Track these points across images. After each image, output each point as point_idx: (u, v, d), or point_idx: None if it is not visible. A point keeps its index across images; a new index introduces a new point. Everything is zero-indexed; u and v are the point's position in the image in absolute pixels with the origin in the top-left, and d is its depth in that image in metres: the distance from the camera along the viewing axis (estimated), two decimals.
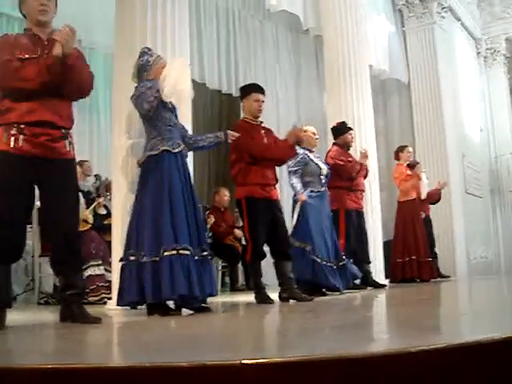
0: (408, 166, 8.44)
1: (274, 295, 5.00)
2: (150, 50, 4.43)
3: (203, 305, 4.08)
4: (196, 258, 3.98)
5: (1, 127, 3.34)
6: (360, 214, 6.92)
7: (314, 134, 6.08)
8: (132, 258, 3.98)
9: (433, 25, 11.30)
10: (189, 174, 4.30)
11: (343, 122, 7.03)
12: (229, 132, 4.57)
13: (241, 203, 5.01)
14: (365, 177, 7.03)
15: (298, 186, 5.81)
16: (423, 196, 8.47)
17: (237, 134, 4.62)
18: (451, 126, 11.26)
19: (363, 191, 7.01)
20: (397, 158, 8.46)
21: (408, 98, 11.36)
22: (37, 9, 3.49)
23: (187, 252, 3.92)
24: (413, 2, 11.34)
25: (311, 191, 5.84)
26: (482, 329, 2.43)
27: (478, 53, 14.06)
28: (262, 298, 4.84)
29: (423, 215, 8.81)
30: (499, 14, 13.80)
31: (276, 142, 5.17)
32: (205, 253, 4.08)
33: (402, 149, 8.50)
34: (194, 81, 6.80)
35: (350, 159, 6.79)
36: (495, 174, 13.69)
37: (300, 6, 8.06)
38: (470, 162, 12.21)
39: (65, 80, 3.39)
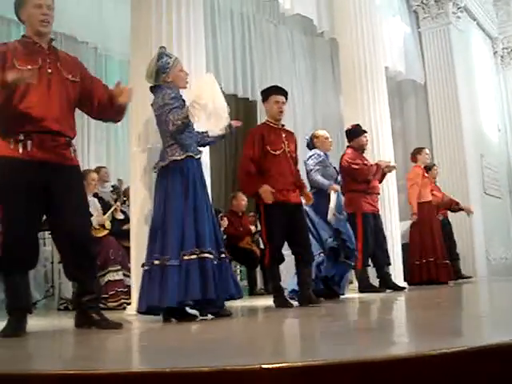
0: (424, 168, 8.39)
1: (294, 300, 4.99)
2: (165, 49, 4.41)
3: (223, 309, 4.08)
4: (215, 262, 3.98)
5: (7, 135, 3.34)
6: (376, 217, 6.89)
7: (326, 138, 6.12)
8: (157, 262, 3.95)
9: (448, 25, 11.23)
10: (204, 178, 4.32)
11: (358, 125, 7.00)
12: (230, 122, 4.50)
13: (259, 207, 5.00)
14: (380, 181, 7.00)
15: (325, 181, 5.80)
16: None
17: (238, 123, 4.63)
18: (469, 126, 11.18)
19: (379, 194, 6.98)
20: (413, 159, 8.37)
21: (424, 100, 11.30)
22: (38, 19, 3.43)
23: (210, 256, 3.93)
24: (428, 3, 11.29)
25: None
26: (502, 331, 2.40)
27: (495, 52, 13.95)
28: (281, 302, 4.82)
29: (441, 217, 8.77)
30: None
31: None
32: (223, 255, 4.08)
33: (419, 151, 8.43)
34: None
35: (365, 162, 6.77)
36: None
37: (314, 9, 8.05)
38: (488, 162, 12.11)
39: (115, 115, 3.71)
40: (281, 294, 4.92)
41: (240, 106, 10.56)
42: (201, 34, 5.22)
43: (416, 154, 8.37)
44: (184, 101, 4.24)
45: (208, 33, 7.85)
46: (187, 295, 3.84)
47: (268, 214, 4.91)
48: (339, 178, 6.19)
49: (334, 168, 6.09)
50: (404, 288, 6.98)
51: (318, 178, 5.84)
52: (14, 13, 3.55)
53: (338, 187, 5.81)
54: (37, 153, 3.32)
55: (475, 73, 12.34)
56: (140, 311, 4.06)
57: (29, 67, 3.32)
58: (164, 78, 4.27)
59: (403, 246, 7.92)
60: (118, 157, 8.63)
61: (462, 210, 9.24)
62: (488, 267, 11.09)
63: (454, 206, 9.16)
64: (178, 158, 4.11)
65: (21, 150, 3.30)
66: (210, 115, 4.05)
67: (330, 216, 5.63)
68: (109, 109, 3.70)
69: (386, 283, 6.77)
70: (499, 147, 13.22)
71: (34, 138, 3.32)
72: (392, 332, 2.79)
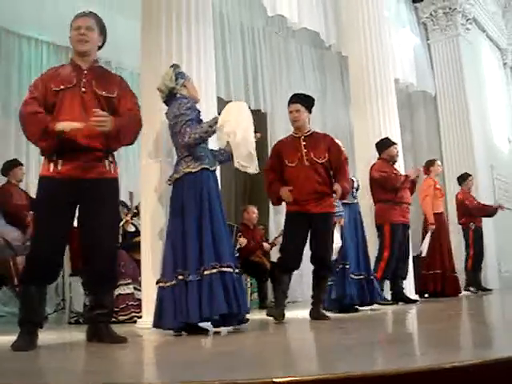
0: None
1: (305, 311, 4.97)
2: (179, 67, 4.46)
3: (241, 323, 4.06)
4: (234, 275, 3.95)
5: (43, 154, 3.44)
6: (406, 228, 6.89)
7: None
8: (181, 277, 3.91)
9: (457, 37, 11.25)
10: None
11: (387, 138, 7.13)
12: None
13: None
14: (411, 191, 7.03)
15: (340, 207, 5.61)
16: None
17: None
18: (479, 137, 11.16)
19: (409, 204, 6.98)
20: (426, 172, 8.33)
21: (434, 112, 11.30)
22: (75, 39, 3.56)
23: (230, 269, 3.91)
24: (437, 15, 11.31)
25: (343, 203, 5.75)
26: None
27: (505, 63, 13.94)
28: (272, 312, 4.72)
29: (473, 226, 8.82)
30: None
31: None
32: (237, 270, 4.04)
33: (432, 163, 8.42)
34: (220, 99, 6.83)
35: (394, 172, 6.80)
36: None
37: (321, 23, 8.08)
38: (499, 173, 12.06)
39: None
40: (278, 304, 4.79)
41: (261, 121, 10.57)
42: (211, 48, 5.25)
43: (429, 165, 8.35)
44: (199, 111, 4.25)
45: (218, 47, 7.88)
46: (213, 310, 3.81)
47: (285, 222, 4.91)
48: (355, 185, 6.07)
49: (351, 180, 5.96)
50: (416, 301, 6.95)
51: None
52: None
53: (343, 221, 5.67)
54: (67, 170, 3.38)
55: (485, 84, 12.32)
56: (161, 327, 4.00)
57: (61, 87, 3.43)
58: (180, 88, 4.32)
59: (414, 258, 7.89)
60: (128, 169, 8.65)
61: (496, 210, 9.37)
62: (500, 279, 11.01)
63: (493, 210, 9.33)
64: (193, 170, 4.09)
65: (52, 169, 3.38)
66: (239, 145, 3.98)
67: (334, 255, 5.42)
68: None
69: (399, 296, 6.74)
70: (509, 158, 13.16)
71: (65, 156, 3.38)
72: (403, 345, 2.78)
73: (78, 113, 3.42)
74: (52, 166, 3.39)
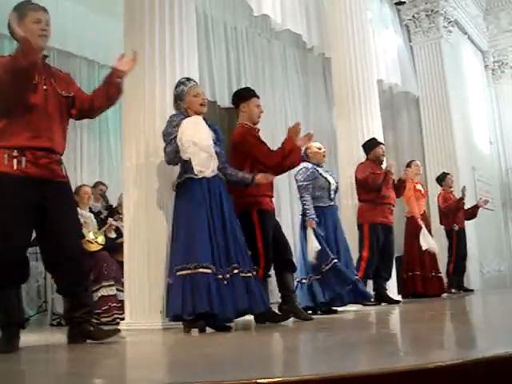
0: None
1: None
2: (188, 80, 4.46)
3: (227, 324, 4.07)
4: (220, 276, 3.95)
5: (1, 150, 3.32)
6: (388, 229, 6.90)
7: (319, 148, 5.98)
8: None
9: (439, 39, 11.34)
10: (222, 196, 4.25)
11: (373, 138, 7.19)
12: (257, 177, 4.43)
13: (249, 216, 4.66)
14: (399, 193, 7.14)
15: (311, 208, 5.61)
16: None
17: (268, 178, 4.51)
18: (461, 139, 11.25)
19: (392, 205, 7.00)
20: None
21: (417, 113, 11.38)
22: (37, 33, 3.40)
23: (207, 270, 3.91)
24: (419, 17, 11.39)
25: (319, 207, 5.77)
26: (498, 344, 2.40)
27: (486, 66, 14.07)
28: (274, 316, 4.68)
29: (456, 227, 8.88)
30: (506, 27, 13.82)
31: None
32: (235, 271, 4.04)
33: (409, 164, 8.45)
34: None
35: (378, 171, 6.82)
36: (507, 186, 13.63)
37: (304, 24, 8.10)
38: (480, 175, 12.16)
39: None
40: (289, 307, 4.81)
41: (234, 119, 10.56)
42: (194, 49, 5.24)
43: (407, 167, 8.35)
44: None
45: (202, 47, 7.88)
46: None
47: (263, 224, 4.68)
48: (333, 187, 5.99)
49: (326, 178, 5.89)
50: (399, 301, 6.98)
51: (306, 200, 5.67)
52: (5, 27, 3.53)
53: (314, 224, 5.58)
54: (31, 169, 3.32)
55: (467, 86, 12.44)
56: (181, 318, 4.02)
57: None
58: (181, 105, 4.34)
59: (396, 258, 7.92)
60: (111, 171, 8.62)
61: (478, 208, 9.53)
62: (481, 279, 11.10)
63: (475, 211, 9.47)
64: (195, 177, 4.10)
65: (15, 167, 3.29)
66: (198, 151, 4.01)
67: (311, 257, 5.45)
68: (96, 95, 3.68)
69: (381, 296, 6.77)
70: (491, 160, 13.29)
71: (28, 154, 3.31)
72: (386, 346, 2.78)
73: (42, 112, 3.40)
74: (15, 163, 3.31)
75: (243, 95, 5.01)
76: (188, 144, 3.99)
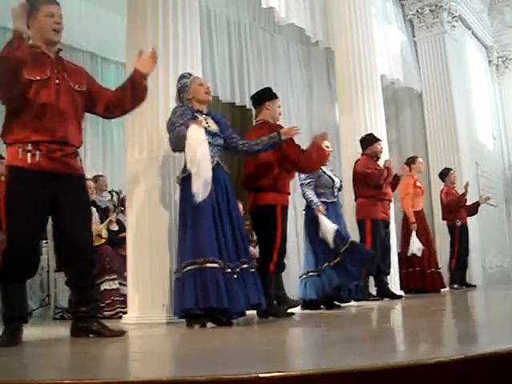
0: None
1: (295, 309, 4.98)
2: (190, 74, 4.50)
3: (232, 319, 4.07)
4: (229, 270, 3.96)
5: (16, 144, 3.33)
6: (387, 225, 6.92)
7: (327, 147, 6.01)
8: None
9: (443, 34, 11.29)
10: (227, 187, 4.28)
11: (371, 134, 7.15)
12: (281, 131, 4.49)
13: (273, 210, 4.82)
14: (394, 188, 7.07)
15: (314, 198, 5.67)
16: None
17: (293, 132, 4.55)
18: (464, 134, 11.22)
19: (390, 201, 7.01)
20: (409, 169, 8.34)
21: (420, 108, 11.34)
22: (51, 27, 3.42)
23: (214, 265, 3.91)
24: (423, 12, 11.34)
25: (322, 201, 5.77)
26: (500, 340, 2.40)
27: (490, 61, 14.02)
28: (278, 310, 4.74)
29: (459, 223, 8.86)
30: (510, 22, 13.77)
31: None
32: (244, 265, 4.07)
33: (413, 160, 8.43)
34: None
35: (378, 168, 6.83)
36: (510, 182, 13.60)
37: (308, 19, 8.09)
38: (483, 170, 12.13)
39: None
40: (287, 301, 4.92)
41: (236, 114, 10.57)
42: (197, 44, 5.23)
43: (410, 163, 8.34)
44: (194, 114, 4.23)
45: (204, 42, 7.86)
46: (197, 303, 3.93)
47: (283, 219, 4.86)
48: (337, 185, 6.03)
49: (330, 177, 5.97)
50: (401, 296, 6.99)
51: (308, 193, 5.73)
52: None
53: (323, 209, 5.64)
54: (45, 163, 3.32)
55: (470, 81, 12.39)
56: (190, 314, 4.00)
57: (38, 78, 3.33)
58: (185, 96, 4.37)
59: (398, 254, 7.92)
60: (114, 165, 8.62)
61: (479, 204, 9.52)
62: (484, 275, 11.10)
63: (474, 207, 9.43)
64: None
65: (29, 161, 3.29)
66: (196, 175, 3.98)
67: (330, 240, 5.45)
68: (125, 99, 3.71)
69: (384, 291, 6.78)
70: (495, 155, 13.26)
71: (42, 148, 3.32)
72: (387, 341, 2.79)
73: (54, 106, 3.38)
74: (29, 157, 3.31)
75: (270, 94, 5.21)
76: (191, 162, 3.98)
